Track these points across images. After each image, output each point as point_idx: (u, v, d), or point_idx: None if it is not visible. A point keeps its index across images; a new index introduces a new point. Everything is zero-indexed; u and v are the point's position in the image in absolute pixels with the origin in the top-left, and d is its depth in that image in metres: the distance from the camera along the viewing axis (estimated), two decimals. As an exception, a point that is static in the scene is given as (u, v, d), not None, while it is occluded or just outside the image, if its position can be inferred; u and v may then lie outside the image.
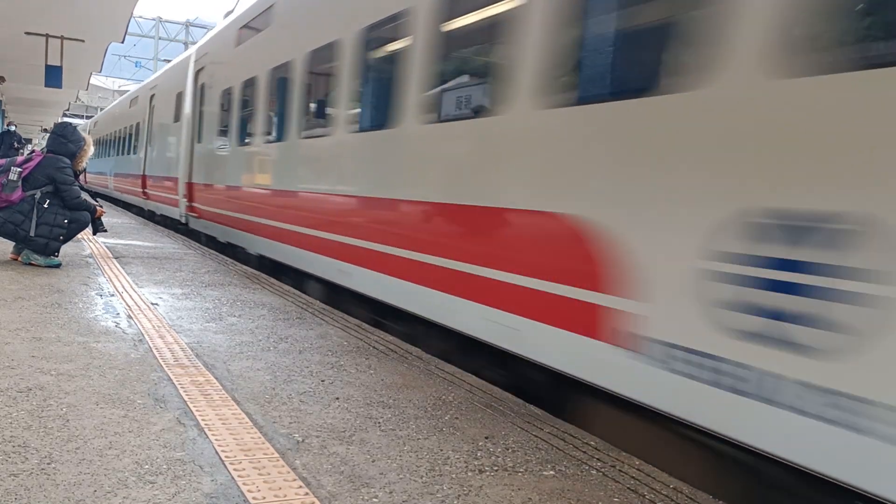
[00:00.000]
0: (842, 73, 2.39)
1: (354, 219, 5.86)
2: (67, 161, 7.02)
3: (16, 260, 6.96)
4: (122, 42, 16.36)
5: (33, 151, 7.74)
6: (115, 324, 4.67)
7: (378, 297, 5.46)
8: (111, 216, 13.61)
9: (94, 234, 7.72)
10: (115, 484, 2.31)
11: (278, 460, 2.62)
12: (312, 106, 7.31)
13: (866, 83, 2.32)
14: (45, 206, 6.76)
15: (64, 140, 7.13)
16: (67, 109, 35.44)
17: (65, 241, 7.02)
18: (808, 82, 2.48)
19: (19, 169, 6.74)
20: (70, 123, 7.84)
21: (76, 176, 7.20)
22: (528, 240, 3.86)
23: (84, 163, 7.44)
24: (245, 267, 8.21)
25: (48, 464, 2.42)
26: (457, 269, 4.39)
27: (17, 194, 6.67)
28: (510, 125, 4.04)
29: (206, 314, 5.22)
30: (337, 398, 3.44)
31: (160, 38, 48.93)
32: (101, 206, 7.60)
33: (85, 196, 7.31)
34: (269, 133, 8.27)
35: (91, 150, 7.49)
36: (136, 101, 19.24)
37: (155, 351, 4.05)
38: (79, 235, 7.68)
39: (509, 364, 4.19)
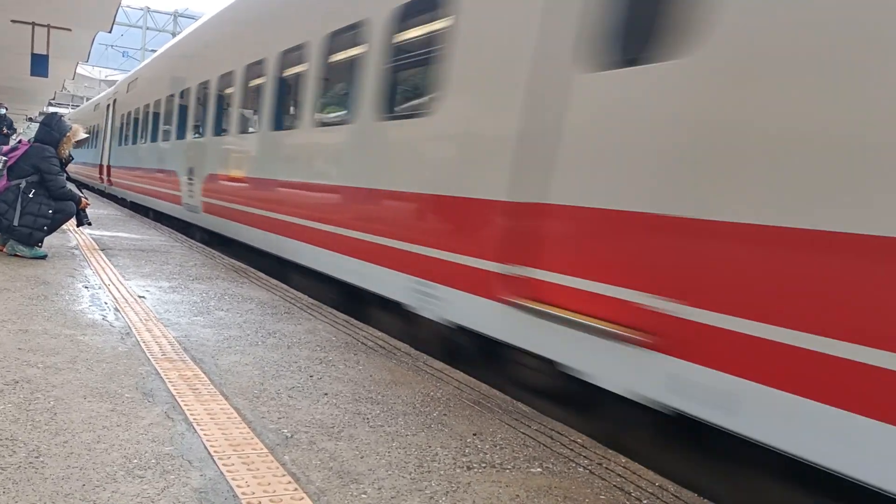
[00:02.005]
0: None
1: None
2: (53, 150, 6.96)
3: (1, 251, 6.90)
4: (110, 32, 16.29)
5: (20, 141, 7.66)
6: (102, 316, 4.65)
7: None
8: (97, 207, 13.54)
9: (79, 226, 7.66)
10: (104, 478, 2.31)
11: (267, 455, 2.63)
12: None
13: None
14: (30, 195, 6.69)
15: (49, 129, 7.07)
16: (53, 98, 35.12)
17: (49, 232, 6.96)
18: None
19: (4, 158, 6.69)
20: (56, 113, 7.77)
21: (62, 166, 7.15)
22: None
23: (68, 149, 7.35)
24: (233, 261, 8.18)
25: (36, 457, 2.41)
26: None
27: (2, 183, 6.61)
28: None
29: (194, 308, 5.20)
30: (325, 394, 3.44)
31: (148, 29, 48.53)
32: (86, 198, 7.53)
33: (70, 186, 7.25)
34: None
35: (77, 136, 7.39)
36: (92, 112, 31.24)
37: (143, 344, 4.03)
38: (64, 226, 7.62)
39: None
